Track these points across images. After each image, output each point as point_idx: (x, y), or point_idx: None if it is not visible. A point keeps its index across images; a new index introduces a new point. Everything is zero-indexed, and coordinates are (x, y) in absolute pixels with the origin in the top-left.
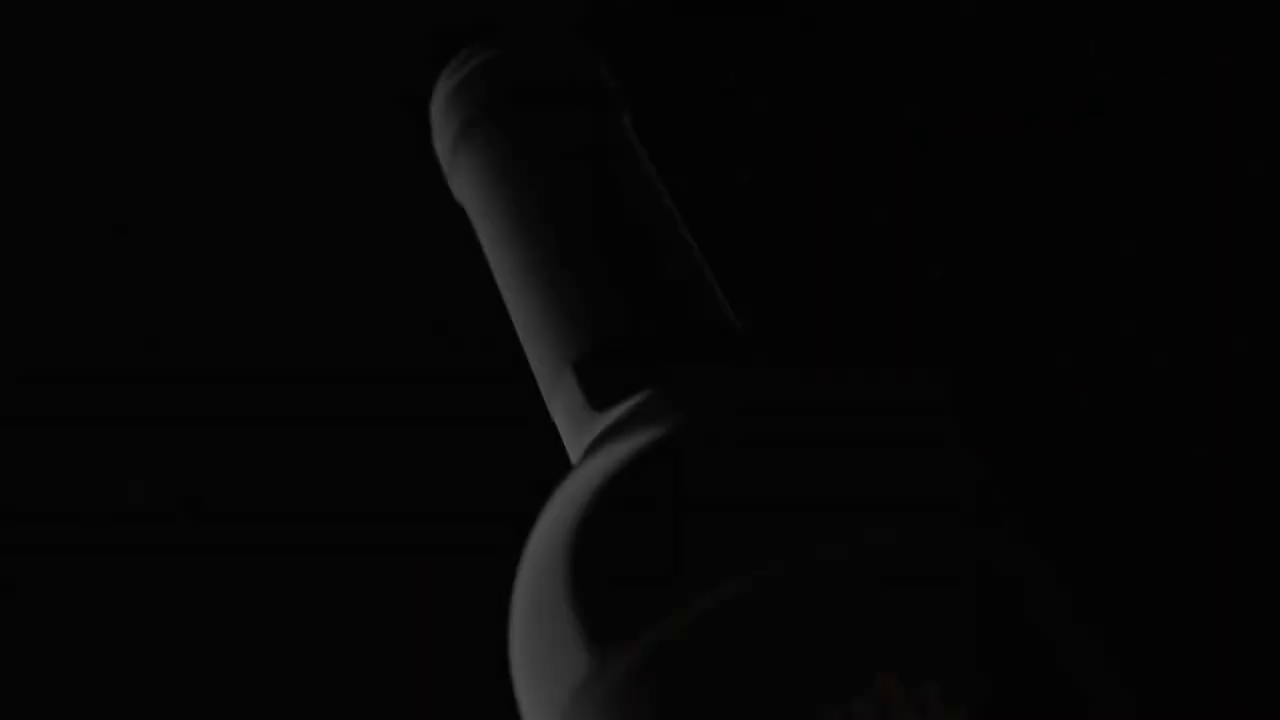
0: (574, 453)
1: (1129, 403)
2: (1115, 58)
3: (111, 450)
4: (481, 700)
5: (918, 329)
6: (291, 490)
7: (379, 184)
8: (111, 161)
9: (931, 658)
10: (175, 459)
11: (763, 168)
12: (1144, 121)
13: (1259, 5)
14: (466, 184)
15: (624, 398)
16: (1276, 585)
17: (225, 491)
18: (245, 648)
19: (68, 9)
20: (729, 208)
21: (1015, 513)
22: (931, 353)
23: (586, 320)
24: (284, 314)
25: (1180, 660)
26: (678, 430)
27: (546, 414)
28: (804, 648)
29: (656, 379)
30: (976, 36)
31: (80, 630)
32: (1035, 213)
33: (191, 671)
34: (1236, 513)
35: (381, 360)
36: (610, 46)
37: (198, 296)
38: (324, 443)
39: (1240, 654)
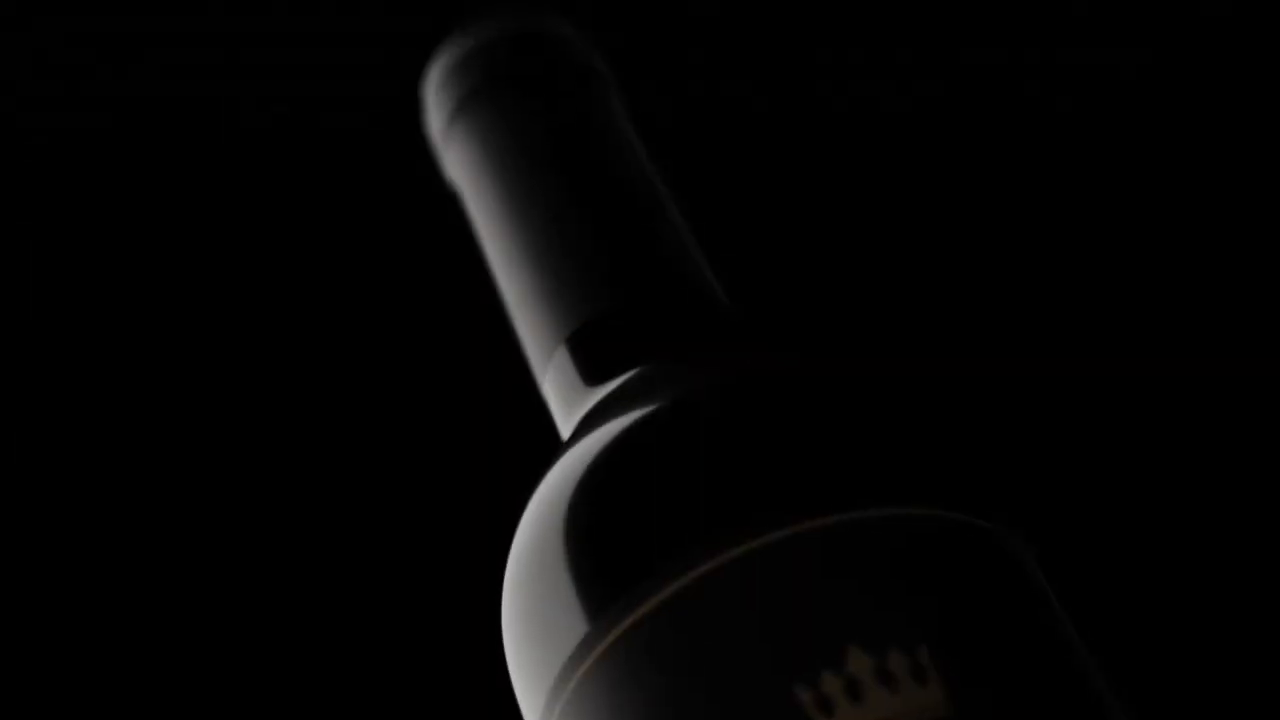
0: (565, 428)
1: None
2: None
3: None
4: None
5: (915, 321)
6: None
7: (370, 173)
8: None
9: (900, 631)
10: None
11: (757, 157)
12: (1149, 121)
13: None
14: (460, 164)
15: (616, 374)
16: (1276, 585)
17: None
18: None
19: None
20: (723, 194)
21: (998, 495)
22: (925, 338)
23: (579, 297)
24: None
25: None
26: (661, 410)
27: (529, 408)
28: (772, 626)
29: (648, 356)
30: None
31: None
32: (1034, 208)
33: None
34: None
35: (366, 348)
36: (598, 31)
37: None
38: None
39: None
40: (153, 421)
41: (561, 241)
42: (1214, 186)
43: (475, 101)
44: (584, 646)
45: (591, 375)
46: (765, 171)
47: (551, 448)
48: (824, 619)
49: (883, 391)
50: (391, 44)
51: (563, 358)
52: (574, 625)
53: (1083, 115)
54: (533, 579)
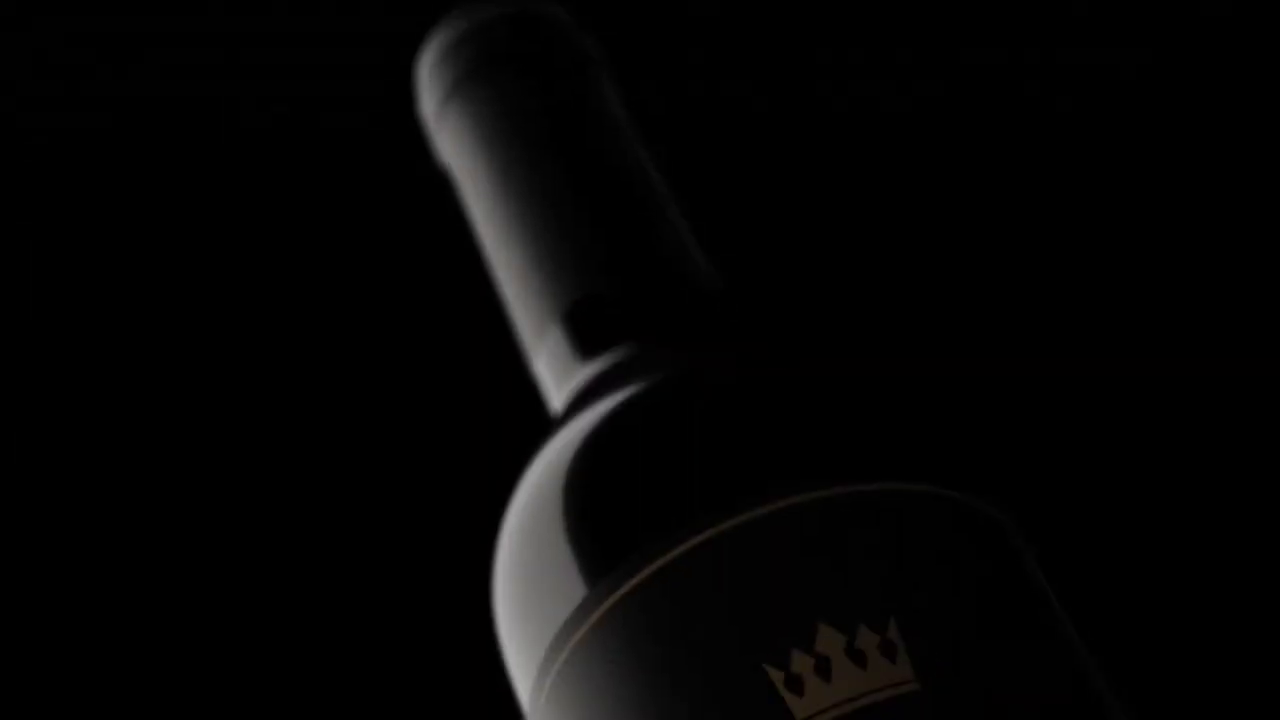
0: (556, 401)
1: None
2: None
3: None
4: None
5: (914, 318)
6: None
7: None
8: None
9: (870, 607)
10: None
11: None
12: (1149, 121)
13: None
14: (454, 143)
15: (608, 350)
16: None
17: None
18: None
19: None
20: (723, 194)
21: (970, 466)
22: (921, 335)
23: (573, 275)
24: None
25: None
26: (636, 395)
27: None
28: (744, 605)
29: (638, 333)
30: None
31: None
32: (1033, 207)
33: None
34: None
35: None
36: (598, 30)
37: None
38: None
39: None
40: (153, 418)
41: (557, 221)
42: (1214, 186)
43: (472, 81)
44: (581, 612)
45: (585, 351)
46: (765, 171)
47: (544, 424)
48: (794, 597)
49: (854, 372)
50: (391, 44)
51: (557, 334)
52: (572, 590)
53: (1083, 115)
54: (530, 549)
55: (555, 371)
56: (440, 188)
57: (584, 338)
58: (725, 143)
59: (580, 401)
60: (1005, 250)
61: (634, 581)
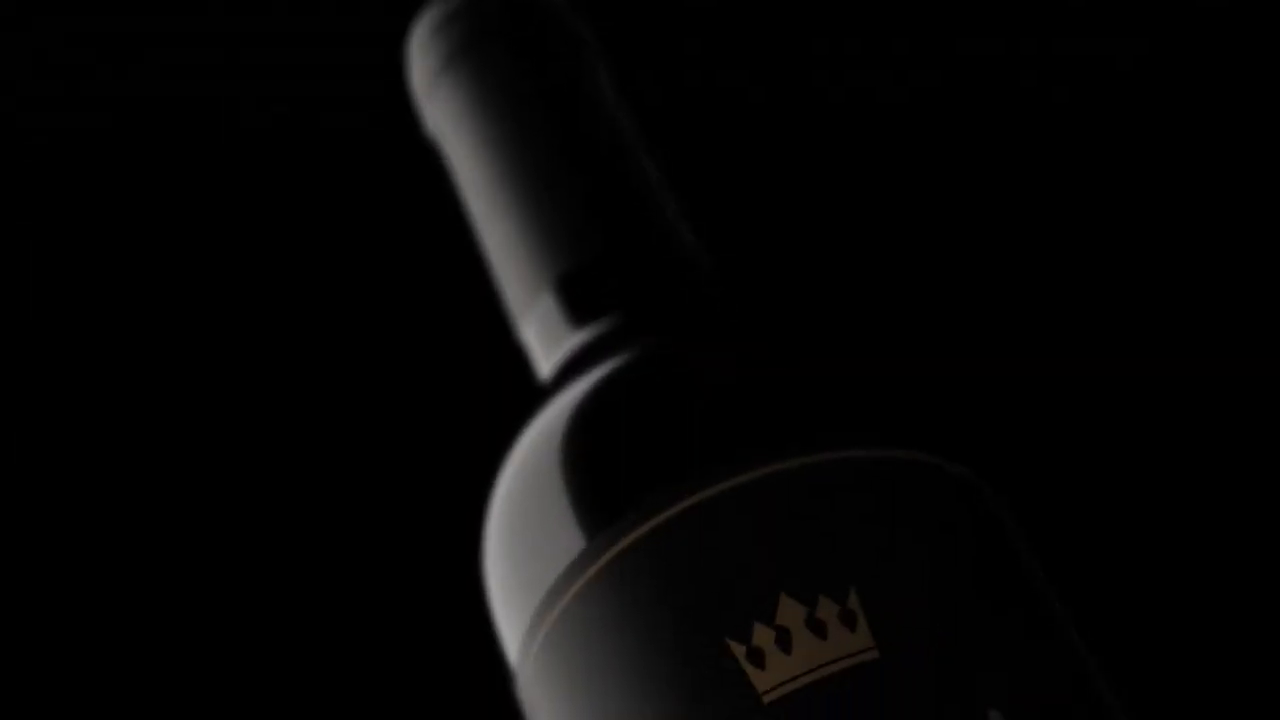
0: (545, 368)
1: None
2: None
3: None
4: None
5: (908, 310)
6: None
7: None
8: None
9: (830, 577)
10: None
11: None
12: (1146, 112)
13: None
14: (446, 116)
15: (598, 316)
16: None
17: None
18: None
19: None
20: (719, 185)
21: (933, 428)
22: (914, 326)
23: (564, 245)
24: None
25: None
26: (599, 382)
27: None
28: (708, 580)
29: (625, 303)
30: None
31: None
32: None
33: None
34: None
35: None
36: (595, 20)
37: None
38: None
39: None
40: (153, 416)
41: (550, 192)
42: (1210, 178)
43: (466, 55)
44: (573, 571)
45: (576, 319)
46: (761, 162)
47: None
48: (756, 571)
49: (818, 345)
50: (391, 44)
51: (549, 302)
52: (571, 543)
53: (1079, 106)
54: (530, 503)
55: (546, 338)
56: (439, 188)
57: (576, 305)
58: (721, 133)
59: (572, 368)
60: (1000, 241)
61: (606, 559)
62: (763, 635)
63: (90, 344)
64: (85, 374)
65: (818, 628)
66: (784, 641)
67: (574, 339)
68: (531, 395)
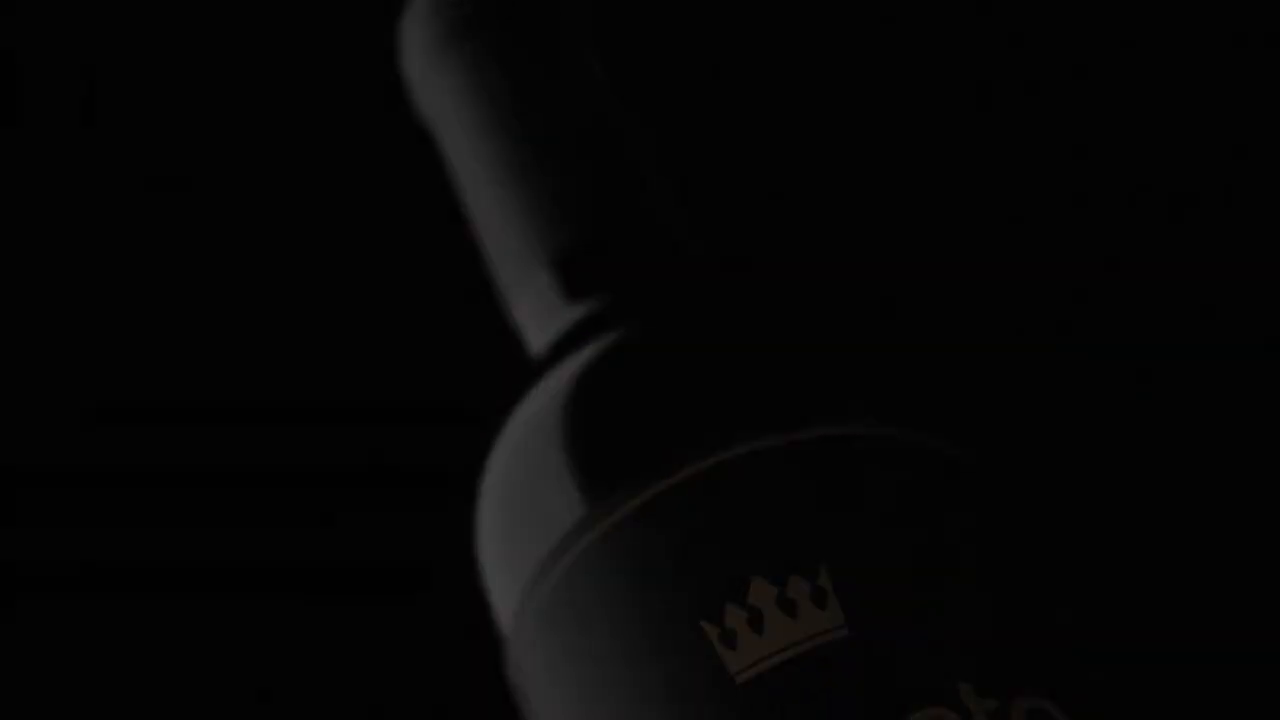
0: (538, 345)
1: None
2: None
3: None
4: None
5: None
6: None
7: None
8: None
9: (800, 556)
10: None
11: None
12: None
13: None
14: (440, 98)
15: (592, 293)
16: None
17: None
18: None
19: None
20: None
21: (907, 403)
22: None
23: (561, 221)
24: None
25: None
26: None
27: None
28: (682, 561)
29: (619, 281)
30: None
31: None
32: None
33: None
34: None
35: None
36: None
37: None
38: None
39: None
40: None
41: (545, 173)
42: (1209, 176)
43: (461, 37)
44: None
45: (570, 293)
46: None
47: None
48: (728, 552)
49: (795, 324)
50: (391, 43)
51: (544, 278)
52: (571, 508)
53: (1077, 99)
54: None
55: (540, 314)
56: (437, 181)
57: (571, 282)
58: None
59: (567, 345)
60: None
61: (582, 545)
62: (734, 616)
63: (90, 342)
64: (85, 372)
65: (789, 607)
66: (756, 622)
67: (569, 314)
68: (524, 374)
